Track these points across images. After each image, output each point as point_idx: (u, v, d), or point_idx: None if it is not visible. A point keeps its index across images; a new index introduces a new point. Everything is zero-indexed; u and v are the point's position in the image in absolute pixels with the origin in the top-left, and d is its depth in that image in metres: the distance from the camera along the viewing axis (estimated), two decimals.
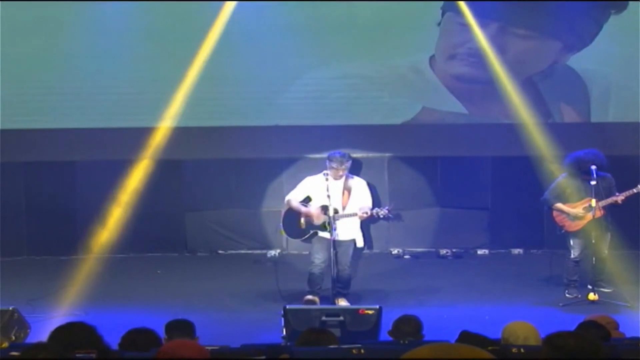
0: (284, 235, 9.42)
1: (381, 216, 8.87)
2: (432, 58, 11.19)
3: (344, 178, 8.98)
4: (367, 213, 8.76)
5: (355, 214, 8.81)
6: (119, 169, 10.90)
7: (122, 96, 11.09)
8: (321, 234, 8.94)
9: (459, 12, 10.82)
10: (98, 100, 11.11)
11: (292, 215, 9.07)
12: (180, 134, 10.99)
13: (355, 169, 11.16)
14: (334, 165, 8.94)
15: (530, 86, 11.13)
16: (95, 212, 10.84)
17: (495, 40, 10.89)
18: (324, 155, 11.16)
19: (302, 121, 11.29)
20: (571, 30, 11.01)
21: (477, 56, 10.97)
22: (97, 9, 10.84)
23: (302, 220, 8.97)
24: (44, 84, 11.09)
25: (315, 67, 11.21)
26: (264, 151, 11.42)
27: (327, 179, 8.81)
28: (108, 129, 11.19)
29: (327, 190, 8.73)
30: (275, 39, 10.89)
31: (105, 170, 11.07)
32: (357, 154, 11.43)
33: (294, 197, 9.10)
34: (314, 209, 8.92)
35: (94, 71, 11.01)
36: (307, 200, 9.07)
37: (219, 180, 11.68)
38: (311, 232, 8.96)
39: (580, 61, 11.13)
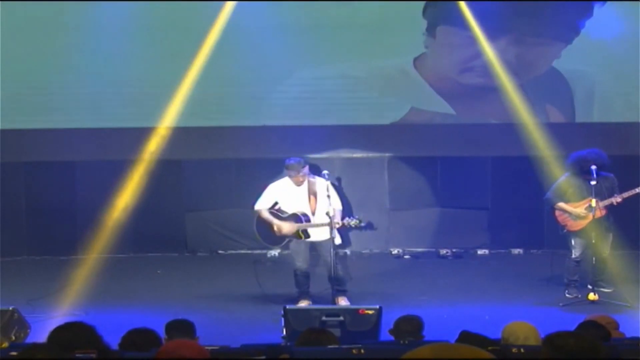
0: (261, 242, 9.33)
1: (353, 226, 8.82)
2: (416, 60, 11.21)
3: (306, 182, 8.95)
4: (339, 224, 8.63)
5: (328, 224, 8.59)
6: (119, 169, 10.89)
7: (122, 96, 11.10)
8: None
9: (463, 26, 10.84)
10: (98, 100, 11.12)
11: (264, 223, 9.06)
12: (180, 134, 10.99)
13: (354, 168, 11.19)
14: (292, 173, 8.94)
15: (517, 88, 11.17)
16: (95, 212, 10.83)
17: (507, 51, 10.98)
18: (324, 155, 11.22)
19: (303, 121, 11.29)
20: (572, 28, 11.04)
21: (491, 67, 11.04)
22: (97, 9, 10.83)
23: (276, 228, 8.97)
24: (44, 84, 11.10)
25: (313, 67, 11.23)
26: (264, 151, 11.41)
27: (327, 179, 8.80)
28: (108, 129, 11.19)
29: (328, 190, 8.73)
30: (274, 39, 10.89)
31: (105, 170, 11.07)
32: (357, 154, 11.45)
33: (263, 206, 9.07)
34: (283, 224, 8.91)
35: (94, 71, 11.01)
36: (275, 206, 9.06)
37: (219, 180, 11.68)
38: (287, 239, 8.97)
39: (564, 62, 11.16)
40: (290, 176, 8.97)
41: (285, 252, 11.22)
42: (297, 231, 8.87)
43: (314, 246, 9.00)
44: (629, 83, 11.06)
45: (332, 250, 8.58)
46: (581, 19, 10.99)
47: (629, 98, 11.19)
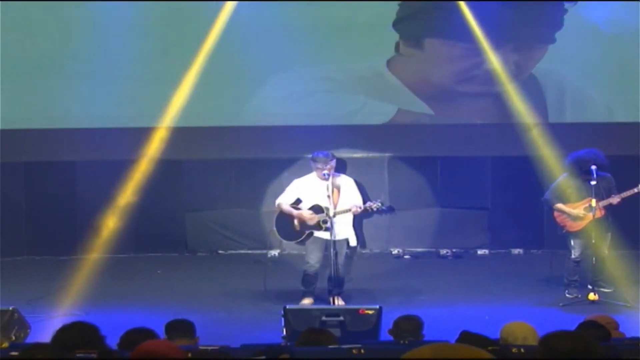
0: (279, 237, 9.39)
1: (375, 209, 8.95)
2: (389, 62, 11.23)
3: (331, 177, 8.97)
4: (360, 207, 8.82)
5: (349, 210, 8.81)
6: (119, 169, 10.90)
7: (122, 96, 11.09)
8: (317, 234, 8.95)
9: (458, 38, 10.91)
10: (98, 100, 11.11)
11: (284, 218, 9.07)
12: (180, 134, 10.99)
13: (354, 168, 11.18)
14: (319, 165, 8.96)
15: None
16: (95, 212, 10.84)
17: (508, 59, 11.02)
18: None
19: (303, 121, 11.30)
20: (556, 28, 11.08)
21: (491, 73, 11.11)
22: (97, 9, 10.84)
23: (296, 222, 8.98)
24: (44, 84, 11.10)
25: (311, 67, 11.24)
26: (263, 151, 11.42)
27: (328, 178, 8.81)
28: (108, 129, 11.19)
29: (328, 190, 8.75)
30: (275, 39, 10.89)
31: (105, 170, 11.07)
32: (357, 154, 11.45)
33: (284, 201, 9.09)
34: (304, 211, 8.94)
35: (94, 71, 11.01)
36: (297, 202, 9.08)
37: (219, 180, 11.68)
38: (307, 232, 8.97)
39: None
40: (317, 169, 8.98)
41: (286, 252, 11.26)
42: (318, 221, 8.88)
43: (328, 246, 8.96)
44: (619, 82, 11.08)
45: (332, 249, 8.59)
46: (560, 16, 11.05)
47: (614, 98, 11.22)
